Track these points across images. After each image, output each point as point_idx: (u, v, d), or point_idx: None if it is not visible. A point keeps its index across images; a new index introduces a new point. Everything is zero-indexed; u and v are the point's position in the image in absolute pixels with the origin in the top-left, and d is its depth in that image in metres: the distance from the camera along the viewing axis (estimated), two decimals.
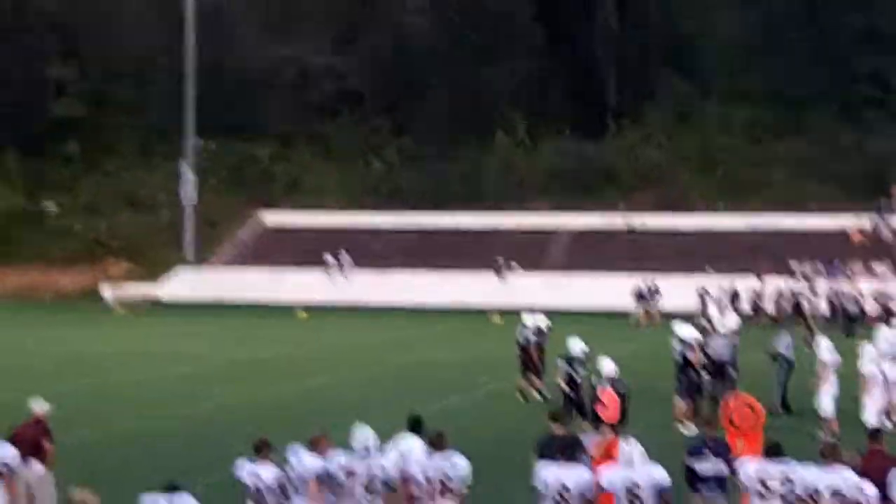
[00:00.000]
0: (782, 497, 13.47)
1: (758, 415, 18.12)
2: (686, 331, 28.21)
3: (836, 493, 12.98)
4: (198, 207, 79.89)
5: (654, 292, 63.61)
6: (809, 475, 13.26)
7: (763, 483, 13.56)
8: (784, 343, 30.19)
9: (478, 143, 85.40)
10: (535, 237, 76.53)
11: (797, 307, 59.97)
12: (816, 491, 13.05)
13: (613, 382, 19.78)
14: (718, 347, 29.38)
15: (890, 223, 72.78)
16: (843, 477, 13.12)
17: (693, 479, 15.09)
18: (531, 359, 31.69)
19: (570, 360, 26.35)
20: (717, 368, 29.26)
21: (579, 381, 25.97)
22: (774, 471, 13.60)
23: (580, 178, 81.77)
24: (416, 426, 15.76)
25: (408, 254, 74.73)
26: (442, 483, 13.97)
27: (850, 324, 54.50)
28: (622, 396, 18.27)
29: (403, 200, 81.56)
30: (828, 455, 13.37)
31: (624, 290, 63.75)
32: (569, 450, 14.36)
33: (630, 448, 13.84)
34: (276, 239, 79.82)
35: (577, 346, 26.81)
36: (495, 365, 37.25)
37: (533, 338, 31.92)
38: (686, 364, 27.48)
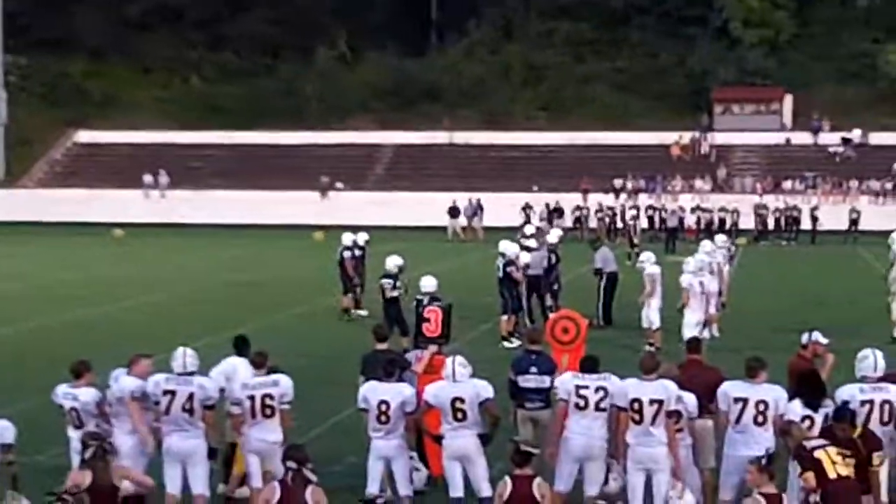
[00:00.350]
0: (599, 408, 13.44)
1: (581, 329, 18.04)
2: (509, 247, 28.14)
3: (654, 402, 12.97)
4: (9, 126, 77.49)
5: (477, 208, 63.74)
6: (629, 386, 13.21)
7: (579, 395, 13.48)
8: (606, 258, 30.35)
9: (298, 58, 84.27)
10: (358, 154, 76.01)
11: (618, 222, 60.81)
12: (637, 401, 13.01)
13: (436, 298, 19.54)
14: (539, 262, 29.44)
15: (710, 139, 73.99)
16: (664, 386, 13.12)
17: (517, 393, 15.09)
18: (349, 276, 31.37)
19: (388, 277, 26.16)
20: (539, 283, 29.34)
21: (397, 296, 25.84)
22: (590, 382, 13.55)
23: (403, 94, 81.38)
24: (241, 346, 15.39)
25: (227, 172, 73.60)
26: (263, 402, 13.72)
27: (671, 238, 55.35)
28: (445, 312, 18.03)
29: (222, 117, 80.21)
30: (646, 366, 13.34)
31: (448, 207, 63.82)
32: (390, 366, 14.17)
33: (454, 363, 13.70)
34: (91, 157, 77.88)
35: (393, 262, 26.62)
36: (318, 283, 36.86)
37: (347, 254, 31.55)
38: (509, 280, 27.44)
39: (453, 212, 62.77)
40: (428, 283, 20.80)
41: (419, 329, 18.05)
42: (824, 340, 15.45)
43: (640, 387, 13.16)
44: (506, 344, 26.20)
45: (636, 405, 13.05)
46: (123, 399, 13.73)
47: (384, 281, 26.16)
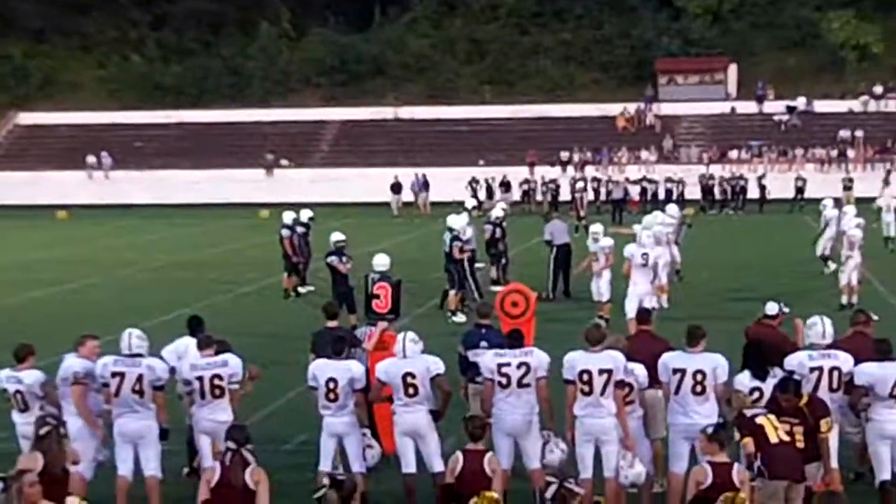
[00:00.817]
0: (521, 384, 13.35)
1: (530, 303, 18.00)
2: (455, 221, 28.10)
3: (603, 372, 12.94)
4: None
5: (423, 183, 63.61)
6: (577, 358, 13.14)
7: (501, 373, 13.42)
8: (557, 230, 30.31)
9: (241, 35, 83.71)
10: (303, 131, 75.65)
11: (561, 196, 60.86)
12: (586, 372, 12.96)
13: (385, 275, 19.48)
14: (488, 235, 29.44)
15: (655, 110, 74.18)
16: (611, 357, 13.11)
17: (467, 368, 15.04)
18: (292, 253, 31.17)
19: (334, 254, 26.07)
20: (492, 255, 29.39)
21: (346, 272, 25.73)
22: (511, 359, 13.46)
23: (347, 70, 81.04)
24: (194, 326, 15.31)
25: (171, 152, 73.09)
26: (212, 382, 13.65)
27: (617, 210, 55.48)
28: (394, 288, 17.96)
29: (165, 96, 79.61)
30: (592, 338, 13.29)
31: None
32: (339, 344, 14.10)
33: (404, 339, 13.64)
34: (34, 139, 77.05)
35: (336, 238, 26.54)
36: (264, 262, 36.67)
37: (286, 232, 31.33)
38: (455, 254, 27.41)
39: (396, 187, 62.51)
40: (381, 261, 20.73)
41: (369, 306, 17.97)
42: (786, 309, 15.51)
43: (588, 358, 13.12)
44: (454, 318, 26.18)
45: (585, 376, 13.01)
46: (69, 381, 13.64)
47: (332, 258, 26.04)
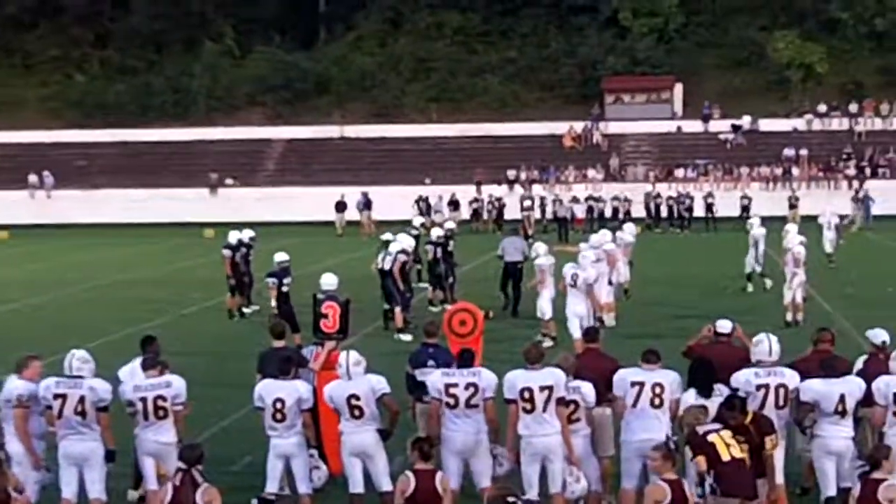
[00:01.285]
0: (469, 405, 13.30)
1: (478, 321, 17.93)
2: (402, 240, 28.09)
3: (544, 388, 12.95)
4: None
5: (366, 202, 63.16)
6: (517, 377, 13.13)
7: (449, 393, 13.37)
8: (508, 246, 30.25)
9: (185, 53, 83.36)
10: (248, 150, 75.32)
11: (508, 213, 60.99)
12: (527, 389, 12.98)
13: (333, 294, 19.38)
14: (430, 255, 29.48)
15: (602, 129, 74.41)
16: (552, 373, 13.13)
17: (415, 387, 14.99)
18: (231, 274, 30.95)
19: (276, 274, 25.91)
20: (435, 276, 29.33)
21: (288, 292, 25.63)
22: (459, 380, 13.41)
23: (292, 88, 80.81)
24: (146, 346, 15.08)
25: (114, 171, 72.55)
26: (156, 403, 13.51)
27: (563, 228, 55.64)
28: (343, 308, 17.86)
29: (108, 115, 79.05)
30: (532, 356, 13.27)
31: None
32: (286, 364, 14.02)
33: (347, 361, 13.59)
34: None
35: (280, 258, 26.41)
36: (209, 282, 36.43)
37: (227, 252, 31.12)
38: (401, 272, 27.32)
39: (340, 206, 62.15)
40: (328, 281, 20.58)
41: (317, 325, 17.86)
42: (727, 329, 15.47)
43: (528, 376, 13.13)
44: (401, 337, 26.07)
45: (527, 394, 13.01)
46: (11, 402, 13.49)
47: (269, 280, 25.90)
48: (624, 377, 13.41)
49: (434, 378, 13.66)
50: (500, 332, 24.88)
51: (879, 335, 14.90)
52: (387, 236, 28.17)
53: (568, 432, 13.12)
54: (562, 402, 13.11)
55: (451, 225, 33.23)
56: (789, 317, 27.13)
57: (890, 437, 12.92)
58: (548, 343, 23.99)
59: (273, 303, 25.62)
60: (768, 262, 33.42)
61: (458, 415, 13.33)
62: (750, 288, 33.24)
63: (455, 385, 13.35)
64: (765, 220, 35.30)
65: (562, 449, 13.08)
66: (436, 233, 31.29)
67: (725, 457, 11.71)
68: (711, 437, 11.84)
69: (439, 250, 30.49)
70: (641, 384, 13.22)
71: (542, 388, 12.99)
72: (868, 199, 60.72)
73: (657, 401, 13.18)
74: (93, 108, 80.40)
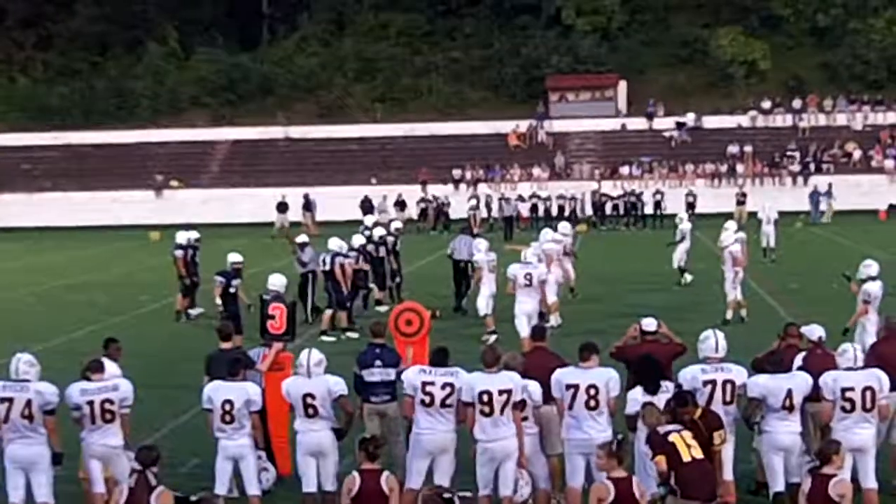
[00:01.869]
0: (445, 404, 13.35)
1: (424, 321, 17.93)
2: (352, 240, 28.09)
3: (503, 392, 12.98)
4: None
5: (309, 203, 62.77)
6: (475, 379, 13.18)
7: (425, 391, 13.40)
8: (459, 245, 30.25)
9: (128, 54, 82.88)
10: (193, 151, 74.99)
11: (453, 212, 60.96)
12: (486, 393, 12.98)
13: (280, 295, 19.36)
14: (375, 253, 29.52)
15: (547, 127, 74.59)
16: (509, 377, 13.16)
17: (362, 387, 14.98)
18: (185, 273, 30.83)
19: (226, 274, 25.86)
20: (380, 276, 29.39)
21: (235, 293, 25.59)
22: (436, 378, 13.45)
23: (236, 89, 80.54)
24: (108, 346, 15.07)
25: (59, 174, 72.10)
26: (103, 407, 13.45)
27: (508, 226, 55.77)
28: (289, 309, 17.85)
29: (52, 118, 78.44)
30: (488, 360, 13.31)
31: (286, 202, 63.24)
32: (234, 366, 13.99)
33: (309, 358, 13.62)
34: None
35: (232, 259, 26.34)
36: (155, 284, 36.26)
37: (179, 253, 30.98)
38: (342, 273, 27.20)
39: (282, 207, 61.73)
40: (276, 282, 20.55)
41: (264, 326, 17.83)
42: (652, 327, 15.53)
43: (486, 379, 13.15)
44: (323, 338, 25.75)
45: (485, 397, 13.03)
46: None
47: (217, 278, 25.88)
48: (560, 379, 13.42)
49: (410, 374, 13.68)
50: (449, 332, 24.93)
51: (815, 331, 15.02)
52: (331, 242, 28.00)
53: (522, 435, 13.19)
54: (518, 405, 13.16)
55: (398, 224, 33.17)
56: (729, 314, 27.21)
57: (837, 432, 13.01)
58: (491, 338, 24.12)
59: (218, 301, 25.47)
60: (709, 259, 33.63)
61: (433, 413, 13.35)
62: (689, 278, 34.03)
63: (432, 384, 13.38)
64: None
65: (517, 452, 13.15)
66: (378, 232, 31.19)
67: (686, 457, 11.72)
68: (672, 437, 11.86)
69: (382, 249, 30.45)
70: (576, 387, 13.25)
71: (500, 392, 13.02)
72: (818, 195, 61.19)
73: (592, 402, 13.22)
74: (36, 111, 79.74)
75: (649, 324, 15.32)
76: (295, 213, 61.60)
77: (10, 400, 13.20)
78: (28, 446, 13.23)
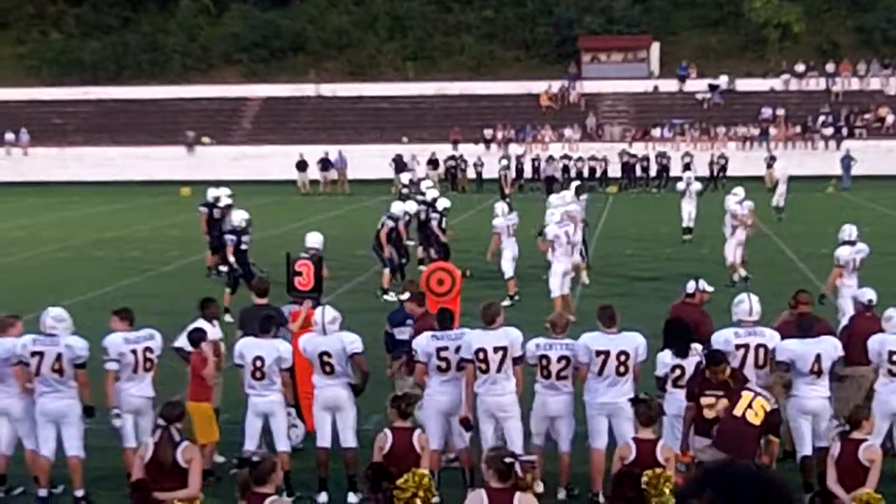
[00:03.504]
0: (460, 367, 13.36)
1: (456, 280, 17.96)
2: (398, 206, 28.16)
3: (498, 349, 13.04)
4: None
5: (331, 162, 62.55)
6: (473, 336, 13.26)
7: (440, 357, 13.47)
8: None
9: (161, 10, 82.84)
10: (224, 108, 75.01)
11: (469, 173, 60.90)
12: (481, 350, 13.07)
13: (310, 253, 19.37)
14: (423, 216, 29.47)
15: (578, 88, 74.28)
16: (506, 333, 13.23)
17: (393, 345, 15.11)
18: (206, 231, 30.89)
19: (236, 232, 25.78)
20: (425, 237, 29.43)
21: (246, 249, 25.58)
22: (449, 343, 13.49)
23: (268, 46, 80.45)
24: (203, 308, 15.34)
25: (91, 128, 72.23)
26: (145, 355, 13.68)
27: (548, 186, 55.50)
28: (316, 266, 17.85)
29: (84, 72, 78.56)
30: (487, 316, 13.34)
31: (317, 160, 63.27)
32: (266, 322, 14.03)
33: (323, 315, 13.67)
34: None
35: (240, 216, 26.26)
36: (185, 240, 36.36)
37: (205, 209, 31.01)
38: (387, 237, 27.25)
39: (301, 165, 61.64)
40: (313, 240, 20.50)
41: (291, 283, 17.85)
42: (710, 288, 15.63)
43: (483, 336, 13.23)
44: (385, 296, 25.97)
45: (481, 354, 13.10)
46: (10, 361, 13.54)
47: (228, 237, 25.76)
48: (588, 345, 13.39)
49: (422, 341, 13.68)
50: (480, 292, 24.94)
51: (866, 294, 15.02)
52: (395, 206, 28.02)
53: (521, 389, 13.25)
54: (518, 361, 13.18)
55: (446, 203, 32.35)
56: (736, 277, 27.28)
57: (881, 396, 13.00)
58: (506, 302, 24.17)
59: (231, 259, 25.50)
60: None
61: (449, 378, 13.42)
62: (688, 237, 35.30)
63: (446, 349, 13.43)
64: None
65: (516, 408, 13.20)
66: (430, 194, 31.12)
67: (738, 412, 11.70)
68: (745, 392, 11.88)
69: (429, 213, 30.44)
70: (607, 353, 13.25)
71: (496, 349, 13.07)
72: (849, 160, 60.74)
73: (622, 368, 13.24)
74: (69, 66, 79.86)
75: (689, 286, 15.42)
76: (313, 172, 61.48)
77: (41, 354, 13.37)
78: (59, 399, 13.40)
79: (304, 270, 17.65)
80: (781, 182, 43.06)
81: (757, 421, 11.75)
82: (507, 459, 9.23)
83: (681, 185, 36.76)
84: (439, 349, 13.45)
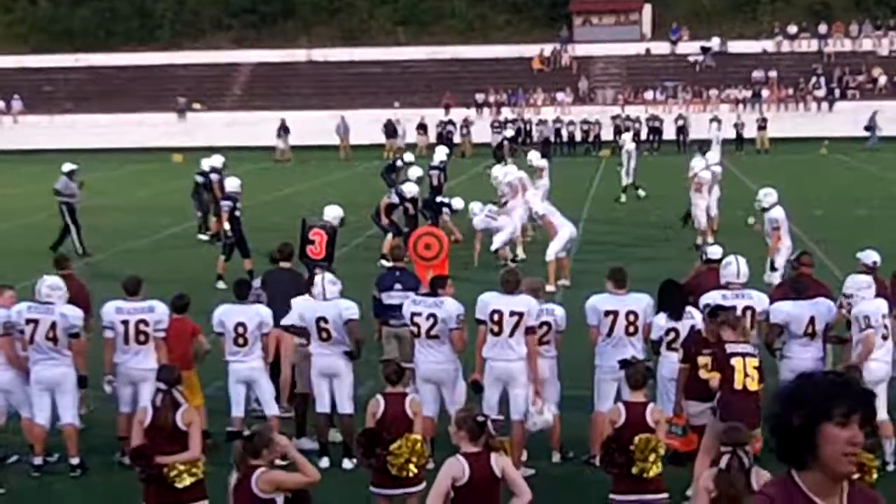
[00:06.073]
0: (430, 335, 13.31)
1: (443, 245, 17.99)
2: (410, 188, 28.02)
3: (514, 314, 12.93)
4: None
5: (346, 126, 62.31)
6: (490, 298, 13.13)
7: (413, 322, 13.44)
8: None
9: None
10: (215, 74, 74.80)
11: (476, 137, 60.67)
12: (497, 312, 12.94)
13: (323, 222, 19.26)
14: (435, 181, 29.46)
15: (570, 51, 74.09)
16: (525, 300, 13.09)
17: (381, 310, 15.08)
18: (200, 200, 30.87)
19: (230, 198, 25.68)
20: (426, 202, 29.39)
21: (238, 216, 25.43)
22: (423, 309, 13.40)
23: (259, 11, 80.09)
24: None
25: (81, 96, 72.05)
26: (138, 328, 13.60)
27: (544, 148, 55.42)
28: (329, 235, 17.87)
29: (74, 39, 78.27)
30: (509, 284, 13.21)
31: (311, 126, 63.08)
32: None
33: (323, 281, 13.68)
34: None
35: (234, 184, 26.13)
36: (178, 207, 36.28)
37: (200, 179, 31.00)
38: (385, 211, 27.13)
39: (283, 130, 61.56)
40: (332, 213, 20.28)
41: (303, 250, 17.89)
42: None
43: (500, 299, 13.10)
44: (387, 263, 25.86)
45: (496, 316, 12.98)
46: None
47: (224, 203, 25.58)
48: (596, 306, 13.35)
49: (405, 305, 13.69)
50: (468, 256, 24.95)
51: (870, 256, 15.01)
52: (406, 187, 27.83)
53: (535, 361, 13.08)
54: (531, 331, 13.05)
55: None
56: (699, 240, 26.18)
57: (871, 361, 13.01)
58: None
59: (226, 225, 25.45)
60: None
61: (423, 344, 13.38)
62: (623, 199, 36.52)
63: (419, 314, 13.37)
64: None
65: (524, 376, 13.05)
66: (438, 157, 31.08)
67: (738, 385, 11.59)
68: (734, 361, 11.71)
69: (441, 175, 30.32)
70: (615, 313, 13.21)
71: (511, 314, 12.94)
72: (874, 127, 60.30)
73: (631, 328, 13.20)
74: (59, 33, 79.56)
75: (714, 252, 15.43)
76: (294, 138, 61.12)
77: (36, 321, 13.38)
78: (53, 367, 13.41)
79: (317, 239, 17.68)
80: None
81: (755, 385, 11.70)
82: (480, 418, 9.25)
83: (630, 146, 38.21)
84: (413, 314, 13.39)
